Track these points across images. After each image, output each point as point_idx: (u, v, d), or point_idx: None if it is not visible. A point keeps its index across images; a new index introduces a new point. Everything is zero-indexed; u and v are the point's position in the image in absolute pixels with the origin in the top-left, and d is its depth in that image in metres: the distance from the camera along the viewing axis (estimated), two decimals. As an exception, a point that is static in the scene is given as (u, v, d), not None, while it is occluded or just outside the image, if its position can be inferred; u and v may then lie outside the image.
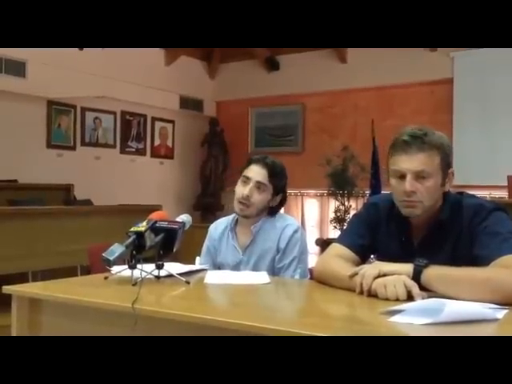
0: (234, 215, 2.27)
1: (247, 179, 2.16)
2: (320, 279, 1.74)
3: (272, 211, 2.22)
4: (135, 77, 6.74)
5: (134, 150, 7.20)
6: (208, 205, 7.49)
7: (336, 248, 1.80)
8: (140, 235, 1.67)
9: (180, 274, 1.74)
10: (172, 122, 7.67)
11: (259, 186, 2.14)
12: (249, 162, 2.21)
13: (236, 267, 2.18)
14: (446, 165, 1.66)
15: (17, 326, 1.61)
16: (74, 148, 6.43)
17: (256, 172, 2.16)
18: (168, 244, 1.75)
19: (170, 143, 7.67)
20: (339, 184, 6.28)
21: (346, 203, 6.33)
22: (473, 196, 1.75)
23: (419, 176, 1.62)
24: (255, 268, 2.14)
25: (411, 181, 1.62)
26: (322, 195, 7.23)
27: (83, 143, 6.54)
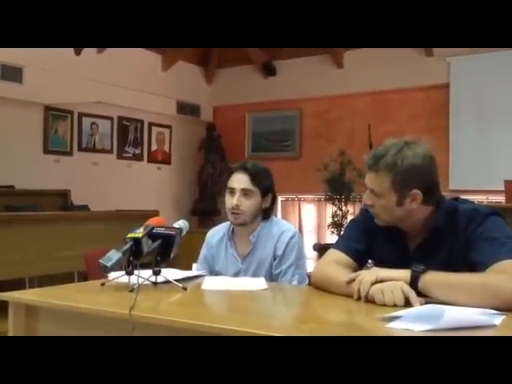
0: (229, 223, 2.27)
1: (232, 190, 2.17)
2: (317, 285, 1.74)
3: (266, 213, 2.23)
4: (132, 82, 6.74)
5: (131, 155, 7.19)
6: (205, 210, 7.49)
7: (333, 254, 1.80)
8: (137, 241, 1.67)
9: (177, 280, 1.74)
10: (169, 127, 7.67)
11: (245, 192, 2.15)
12: (230, 173, 2.23)
13: (235, 276, 2.17)
14: (401, 186, 1.62)
15: (13, 332, 1.60)
16: (70, 153, 6.42)
17: (239, 180, 2.17)
18: (165, 250, 1.75)
19: (167, 148, 7.67)
20: (336, 189, 6.28)
21: (344, 208, 6.33)
22: (468, 201, 1.75)
23: (373, 193, 1.69)
24: (254, 276, 2.14)
25: (369, 194, 1.71)
26: (319, 200, 7.23)
27: (80, 149, 6.53)
